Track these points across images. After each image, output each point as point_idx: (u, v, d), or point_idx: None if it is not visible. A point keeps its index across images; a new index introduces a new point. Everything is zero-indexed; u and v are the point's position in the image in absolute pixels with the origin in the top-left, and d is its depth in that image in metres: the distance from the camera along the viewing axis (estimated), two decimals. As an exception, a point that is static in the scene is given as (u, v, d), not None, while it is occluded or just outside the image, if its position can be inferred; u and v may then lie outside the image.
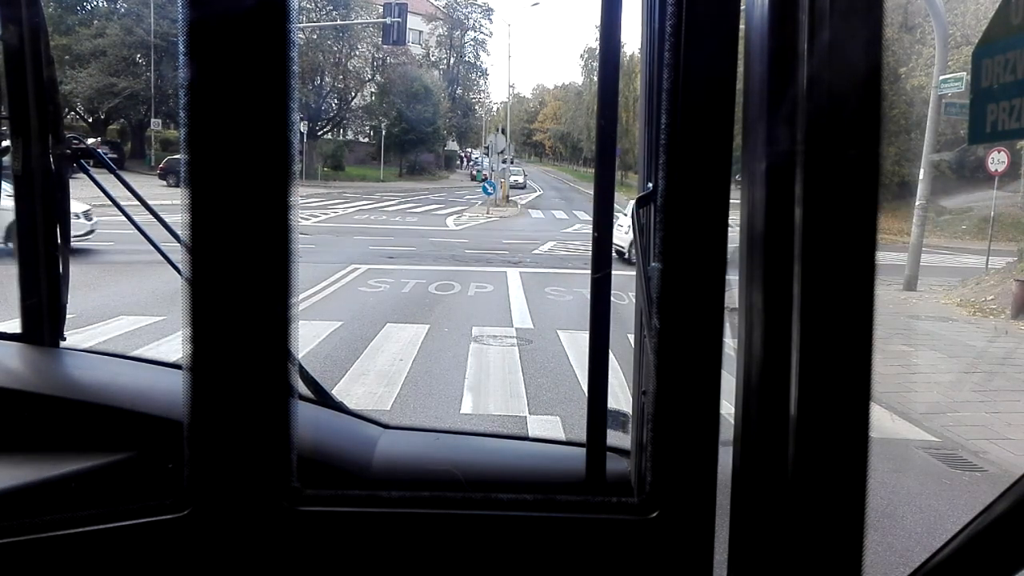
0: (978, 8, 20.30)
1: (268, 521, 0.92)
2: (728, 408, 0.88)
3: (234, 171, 0.86)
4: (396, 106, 47.26)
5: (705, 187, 0.85)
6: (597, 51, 1.03)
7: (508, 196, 35.56)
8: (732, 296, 0.88)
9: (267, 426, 0.90)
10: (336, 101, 47.31)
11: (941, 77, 12.66)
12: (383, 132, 46.19)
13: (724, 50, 0.84)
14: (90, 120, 37.86)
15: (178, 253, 1.01)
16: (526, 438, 2.00)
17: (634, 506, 0.93)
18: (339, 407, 1.43)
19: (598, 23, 0.99)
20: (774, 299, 0.81)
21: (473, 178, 41.72)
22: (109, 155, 1.88)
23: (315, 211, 24.92)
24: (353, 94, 47.63)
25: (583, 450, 1.14)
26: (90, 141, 1.81)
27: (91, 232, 12.03)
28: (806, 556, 0.82)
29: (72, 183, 1.60)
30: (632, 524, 0.92)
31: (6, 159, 1.55)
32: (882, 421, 6.18)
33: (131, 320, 8.49)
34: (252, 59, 0.85)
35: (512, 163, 34.76)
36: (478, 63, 64.68)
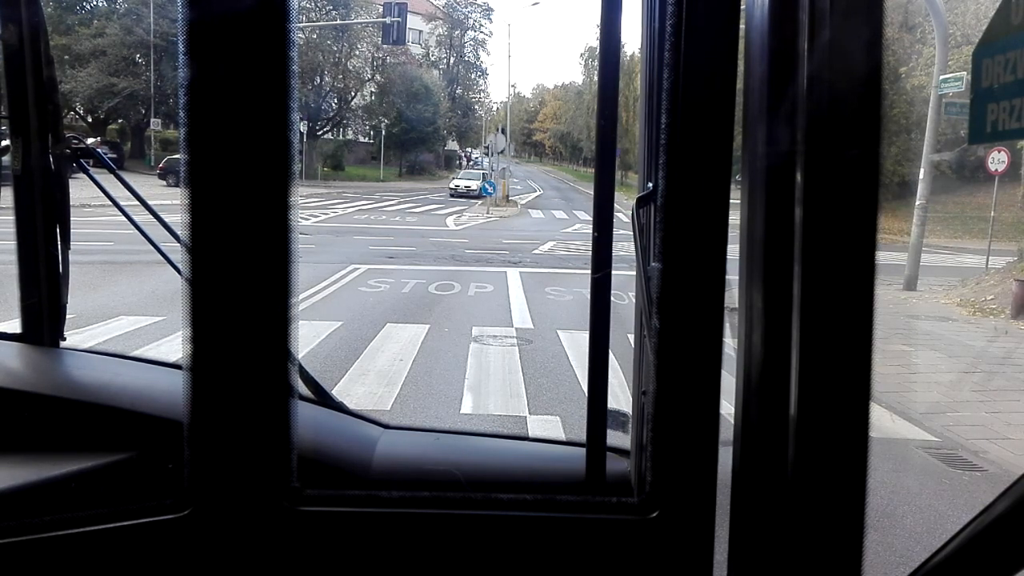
0: (978, 8, 20.30)
1: (268, 521, 0.92)
2: (728, 408, 0.88)
3: (234, 171, 0.86)
4: (396, 106, 47.26)
5: (705, 187, 0.85)
6: (597, 51, 1.03)
7: (508, 196, 35.42)
8: (732, 296, 0.88)
9: (267, 426, 0.90)
10: (336, 101, 47.28)
11: (941, 77, 12.67)
12: (383, 132, 46.20)
13: (724, 50, 0.84)
14: (90, 120, 37.85)
15: (178, 253, 1.01)
16: (526, 438, 2.00)
17: (634, 506, 0.93)
18: (339, 407, 1.43)
19: (598, 23, 0.99)
20: (774, 299, 0.81)
21: (455, 191, 37.00)
22: (109, 155, 1.88)
23: (315, 211, 24.92)
24: (353, 94, 47.61)
25: (583, 450, 1.14)
26: (90, 141, 1.82)
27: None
28: (806, 556, 0.82)
29: (72, 183, 1.60)
30: (632, 524, 0.92)
31: (6, 159, 1.55)
32: (882, 421, 6.18)
33: (131, 320, 8.49)
34: (252, 59, 0.85)
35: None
36: (478, 63, 64.77)
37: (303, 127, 35.47)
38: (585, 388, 1.12)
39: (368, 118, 49.08)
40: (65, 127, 1.65)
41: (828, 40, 0.76)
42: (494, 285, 12.51)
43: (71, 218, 1.62)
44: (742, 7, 0.84)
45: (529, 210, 33.75)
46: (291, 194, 0.87)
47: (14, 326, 1.59)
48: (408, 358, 7.57)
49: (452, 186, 39.11)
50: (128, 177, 1.58)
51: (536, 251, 18.10)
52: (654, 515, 0.91)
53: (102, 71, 33.90)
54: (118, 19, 35.82)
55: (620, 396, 5.03)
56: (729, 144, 0.85)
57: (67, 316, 1.61)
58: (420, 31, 57.72)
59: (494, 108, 79.11)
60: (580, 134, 64.81)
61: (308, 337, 7.97)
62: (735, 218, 0.87)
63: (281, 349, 0.89)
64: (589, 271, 1.04)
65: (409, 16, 30.22)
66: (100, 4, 39.00)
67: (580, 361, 7.51)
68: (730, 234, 0.86)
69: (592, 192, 1.05)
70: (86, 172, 1.58)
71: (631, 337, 1.35)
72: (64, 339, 1.61)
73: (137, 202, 1.51)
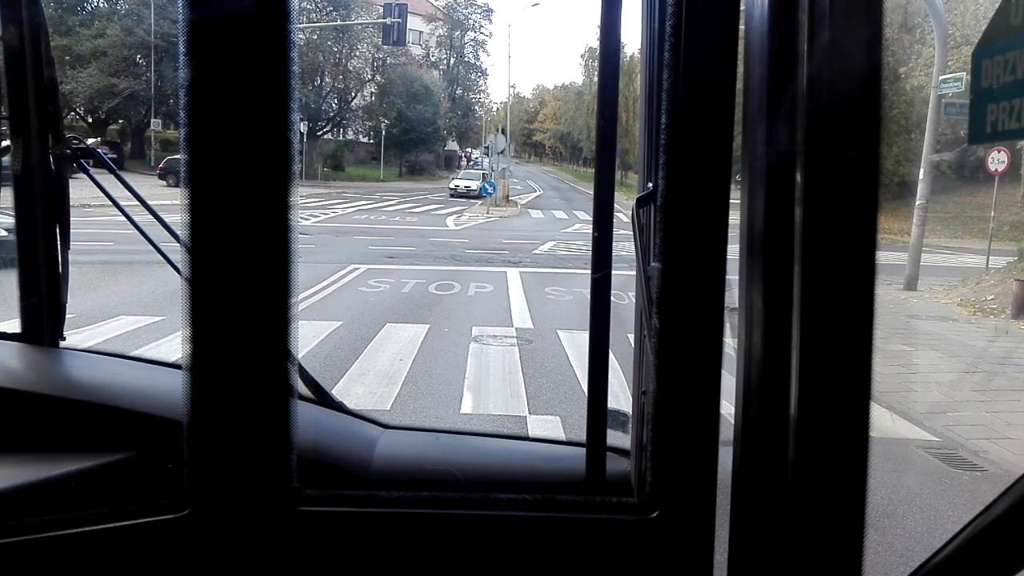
0: (978, 8, 20.31)
1: (268, 521, 0.92)
2: (728, 408, 0.88)
3: (234, 171, 0.86)
4: (396, 106, 47.30)
5: (705, 187, 0.85)
6: (597, 51, 1.03)
7: (508, 196, 35.42)
8: (732, 296, 0.88)
9: (267, 426, 0.90)
10: (336, 101, 47.33)
11: (941, 77, 12.67)
12: (383, 132, 46.22)
13: (724, 50, 0.84)
14: (90, 120, 37.85)
15: (178, 253, 1.01)
16: (526, 438, 2.00)
17: (634, 506, 0.93)
18: (339, 407, 1.43)
19: (598, 23, 0.99)
20: (774, 299, 0.81)
21: (455, 191, 36.99)
22: (109, 155, 1.88)
23: (315, 211, 24.92)
24: (353, 94, 47.65)
25: (583, 450, 1.14)
26: (90, 141, 1.81)
27: None
28: (806, 556, 0.82)
29: (72, 183, 1.60)
30: (632, 524, 0.92)
31: (6, 159, 1.55)
32: (882, 421, 6.18)
33: (131, 320, 8.49)
34: (252, 59, 0.85)
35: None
36: (478, 63, 64.79)
37: (303, 127, 35.50)
38: (585, 388, 1.12)
39: (368, 118, 49.10)
40: (65, 127, 1.65)
41: (828, 40, 0.76)
42: (494, 285, 12.50)
43: (71, 218, 1.62)
44: (742, 7, 0.84)
45: (529, 210, 33.75)
46: (291, 194, 0.87)
47: (14, 326, 1.59)
48: (408, 358, 7.57)
49: (452, 186, 38.98)
50: (128, 177, 1.58)
51: (536, 251, 18.10)
52: (654, 515, 0.91)
53: (103, 72, 33.90)
54: (119, 20, 35.81)
55: (620, 396, 5.03)
56: (729, 144, 0.85)
57: (67, 316, 1.61)
58: (420, 32, 57.73)
59: (494, 108, 79.25)
60: (580, 134, 64.83)
61: (308, 337, 7.97)
62: (735, 218, 0.87)
63: (281, 349, 0.89)
64: (589, 271, 1.04)
65: (409, 17, 30.27)
66: (101, 5, 39.02)
67: (580, 361, 7.51)
68: (730, 234, 0.86)
69: (592, 192, 1.05)
70: (86, 172, 1.58)
71: (631, 337, 1.35)
72: (64, 339, 1.61)
73: (137, 202, 1.51)
